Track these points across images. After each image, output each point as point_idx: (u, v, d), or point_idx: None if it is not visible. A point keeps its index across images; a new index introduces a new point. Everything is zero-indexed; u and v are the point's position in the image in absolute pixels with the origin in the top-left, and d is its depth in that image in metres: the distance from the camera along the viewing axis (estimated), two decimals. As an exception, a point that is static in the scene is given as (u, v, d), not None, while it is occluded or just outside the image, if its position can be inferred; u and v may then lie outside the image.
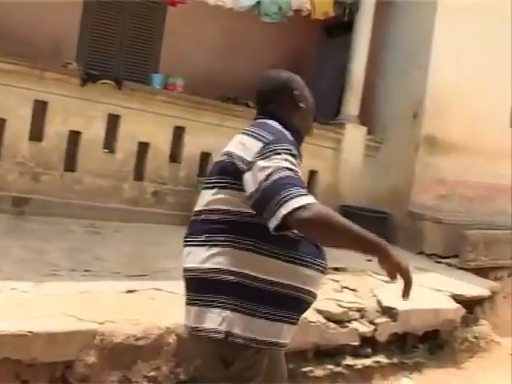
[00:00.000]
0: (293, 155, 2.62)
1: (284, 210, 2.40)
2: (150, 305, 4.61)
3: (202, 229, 2.73)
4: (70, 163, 7.53)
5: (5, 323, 3.69)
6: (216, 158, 2.91)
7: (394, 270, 2.48)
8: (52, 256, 5.50)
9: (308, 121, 3.10)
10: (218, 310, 2.58)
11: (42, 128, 7.34)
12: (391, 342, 5.72)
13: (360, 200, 8.99)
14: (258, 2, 8.90)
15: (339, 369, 5.17)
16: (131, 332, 4.07)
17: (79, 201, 7.43)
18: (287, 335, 2.68)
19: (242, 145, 2.71)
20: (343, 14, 9.60)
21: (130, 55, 10.03)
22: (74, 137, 7.52)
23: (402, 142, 9.28)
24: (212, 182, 2.76)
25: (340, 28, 10.37)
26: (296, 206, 2.39)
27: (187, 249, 2.81)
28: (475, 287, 7.19)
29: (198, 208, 2.82)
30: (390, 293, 6.08)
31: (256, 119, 2.97)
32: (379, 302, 5.77)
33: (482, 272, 8.34)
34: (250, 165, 2.58)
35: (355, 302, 5.61)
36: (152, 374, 4.13)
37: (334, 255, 7.25)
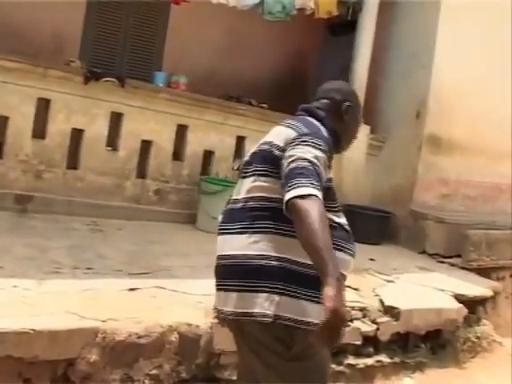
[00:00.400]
0: (322, 150, 2.72)
1: (287, 196, 2.51)
2: (152, 303, 4.61)
3: (242, 216, 2.81)
4: (73, 161, 7.53)
5: (7, 321, 3.70)
6: (252, 148, 3.05)
7: (325, 301, 2.27)
8: (54, 254, 5.51)
9: (347, 136, 3.17)
10: (265, 295, 2.64)
11: (44, 126, 7.34)
12: (393, 342, 5.72)
13: (363, 199, 9.00)
14: (262, 1, 8.88)
15: (341, 368, 5.17)
16: (133, 330, 4.08)
17: (82, 199, 7.43)
18: (318, 316, 2.61)
19: (279, 134, 2.86)
20: (347, 13, 9.59)
21: (134, 53, 10.03)
22: (77, 135, 7.52)
23: (404, 141, 9.27)
24: (251, 171, 2.87)
25: (343, 27, 10.35)
26: (295, 194, 2.48)
27: (225, 236, 2.90)
28: (477, 287, 7.18)
29: (235, 197, 2.93)
30: (392, 292, 6.09)
31: (298, 115, 3.08)
32: (381, 302, 5.77)
33: (484, 272, 8.33)
34: (283, 152, 2.72)
35: (357, 302, 5.61)
36: (154, 372, 4.14)
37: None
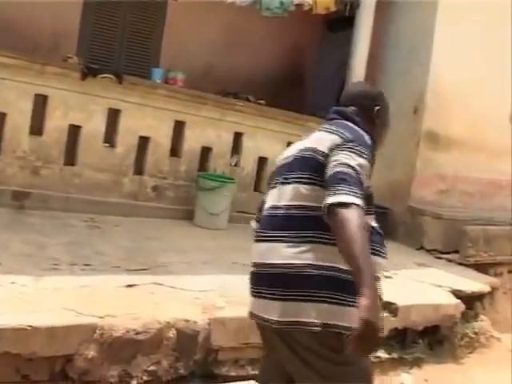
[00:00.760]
0: (366, 158, 2.73)
1: (328, 201, 2.53)
2: (149, 299, 4.61)
3: (286, 225, 2.79)
4: (70, 157, 7.51)
5: (5, 317, 3.70)
6: (288, 153, 3.02)
7: (360, 311, 2.34)
8: (52, 250, 5.51)
9: (379, 140, 3.17)
10: (313, 304, 2.65)
11: (42, 122, 7.33)
12: (391, 337, 5.72)
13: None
14: (260, -3, 8.89)
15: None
16: (131, 326, 4.08)
17: (79, 195, 7.42)
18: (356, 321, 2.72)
19: (322, 140, 2.82)
20: (344, 10, 9.57)
21: (131, 49, 10.01)
22: (74, 131, 7.51)
23: (402, 137, 9.25)
24: (293, 177, 2.84)
25: (341, 23, 10.34)
26: (337, 201, 2.51)
27: (266, 244, 2.85)
28: (475, 283, 7.19)
29: (273, 203, 2.91)
30: (390, 288, 6.09)
31: (333, 119, 3.06)
32: (379, 297, 5.77)
33: (481, 268, 8.34)
34: (327, 158, 2.71)
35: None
36: (152, 368, 4.14)
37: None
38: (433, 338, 6.17)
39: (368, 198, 2.78)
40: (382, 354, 5.53)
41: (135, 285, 4.84)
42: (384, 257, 2.90)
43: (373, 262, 2.63)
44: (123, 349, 4.02)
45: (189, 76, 9.21)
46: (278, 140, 8.83)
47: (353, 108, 3.08)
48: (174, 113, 8.09)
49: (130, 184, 7.86)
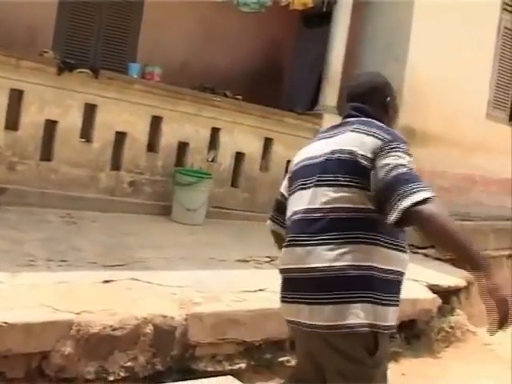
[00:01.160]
0: (409, 155, 2.78)
1: (405, 203, 2.54)
2: (126, 295, 4.60)
3: (325, 227, 2.75)
4: (47, 153, 7.47)
5: (-20, 314, 3.67)
6: (313, 154, 2.95)
7: (489, 294, 2.44)
8: (28, 246, 5.47)
9: (392, 127, 3.09)
10: (359, 305, 2.66)
11: (17, 117, 7.27)
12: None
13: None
14: (237, -8, 8.90)
15: (316, 359, 5.19)
16: (108, 322, 4.05)
17: (56, 190, 7.37)
18: (396, 318, 2.84)
19: (361, 143, 2.76)
20: (322, 5, 9.60)
21: (108, 44, 9.97)
22: (51, 126, 7.46)
23: (379, 132, 9.30)
24: (330, 180, 2.79)
25: (318, 19, 10.37)
26: (416, 200, 2.53)
27: (307, 248, 2.79)
28: (451, 277, 7.23)
29: (306, 206, 2.84)
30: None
31: (354, 116, 3.01)
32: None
33: (458, 262, 8.39)
34: (372, 162, 2.68)
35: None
36: (129, 364, 4.12)
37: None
38: (410, 333, 6.20)
39: None
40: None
41: (112, 280, 4.81)
42: (407, 253, 2.92)
43: (404, 259, 2.83)
44: (100, 345, 4.01)
45: (166, 71, 9.19)
46: (255, 135, 8.86)
47: (368, 104, 3.03)
48: (151, 108, 8.06)
49: (107, 179, 7.83)
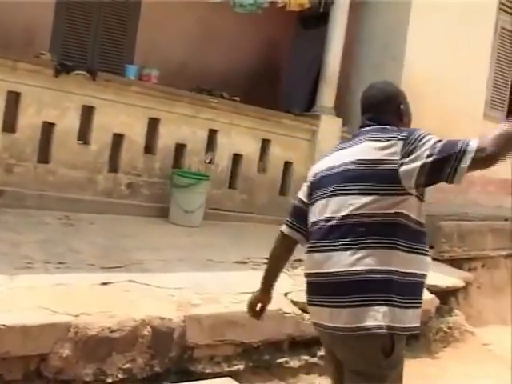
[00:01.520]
0: (431, 134, 2.87)
1: (471, 148, 2.67)
2: (124, 297, 4.60)
3: (343, 233, 2.86)
4: (44, 155, 7.46)
5: (-22, 316, 3.67)
6: (333, 164, 3.06)
7: None
8: (26, 248, 5.46)
9: None
10: (377, 308, 2.75)
11: (15, 119, 7.27)
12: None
13: (335, 191, 9.02)
14: (233, -6, 8.91)
15: (315, 359, 5.19)
16: (106, 324, 4.06)
17: (53, 193, 7.37)
18: (419, 319, 2.94)
19: (380, 149, 2.89)
20: (318, 6, 9.60)
21: (105, 46, 9.97)
22: (48, 128, 7.45)
23: (376, 133, 9.30)
24: (347, 189, 2.90)
25: (315, 19, 10.37)
26: (476, 144, 2.67)
27: (327, 254, 2.90)
28: (449, 278, 7.24)
29: (329, 214, 2.94)
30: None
31: (369, 125, 3.12)
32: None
33: (456, 263, 8.41)
34: (400, 160, 2.80)
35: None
36: (127, 366, 4.13)
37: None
38: (408, 333, 6.20)
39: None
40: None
41: (110, 283, 4.82)
42: (430, 256, 3.01)
43: (426, 262, 2.94)
44: (98, 347, 4.01)
45: (163, 73, 9.18)
46: (252, 137, 8.86)
47: (382, 114, 3.14)
48: (148, 110, 8.06)
49: (105, 181, 7.82)
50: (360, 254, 2.79)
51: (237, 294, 5.06)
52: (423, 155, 2.76)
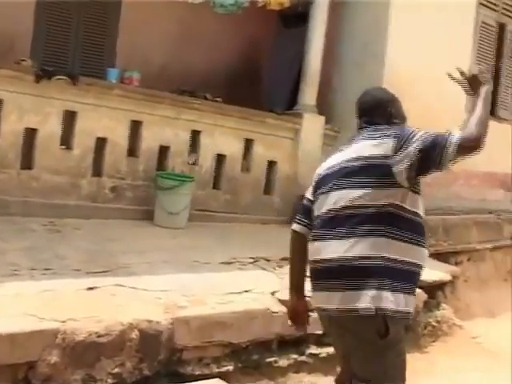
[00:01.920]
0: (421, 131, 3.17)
1: (456, 138, 2.99)
2: (111, 301, 4.59)
3: (339, 223, 3.16)
4: (27, 161, 7.42)
5: (-36, 325, 3.65)
6: (334, 163, 3.37)
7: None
8: (11, 256, 5.43)
9: None
10: (367, 291, 3.00)
11: (-4, 126, 7.24)
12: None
13: (319, 189, 9.01)
14: (213, -6, 8.91)
15: (303, 358, 5.21)
16: (93, 329, 4.05)
17: (37, 199, 7.33)
18: (413, 306, 3.20)
19: (373, 146, 3.19)
20: (298, 5, 9.62)
21: (86, 50, 9.93)
22: (30, 134, 7.41)
23: (359, 130, 9.30)
24: (344, 183, 3.20)
25: (296, 18, 10.38)
26: (460, 134, 3.00)
27: (325, 242, 3.20)
28: (436, 272, 7.25)
29: (329, 207, 3.24)
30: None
31: (365, 127, 3.41)
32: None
33: (442, 257, 8.43)
34: (393, 156, 3.09)
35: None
36: (116, 370, 4.12)
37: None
38: (396, 328, 6.21)
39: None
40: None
41: (96, 287, 4.80)
42: (427, 248, 3.34)
43: (421, 252, 3.26)
44: (86, 352, 4.00)
45: (145, 75, 9.17)
46: (235, 137, 8.86)
47: (375, 117, 3.42)
48: (131, 113, 8.04)
49: (89, 186, 7.79)
50: (354, 241, 3.07)
51: (224, 295, 5.07)
52: (413, 150, 3.04)
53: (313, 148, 9.44)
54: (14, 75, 7.21)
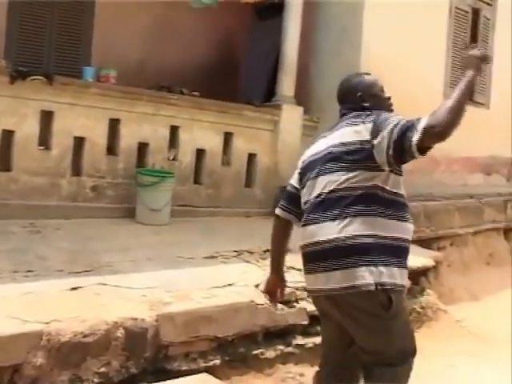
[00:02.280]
0: (396, 115, 3.31)
1: (421, 125, 3.06)
2: (95, 300, 4.56)
3: (330, 206, 3.29)
4: (5, 163, 7.37)
5: None
6: (318, 150, 3.50)
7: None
8: (-7, 259, 5.40)
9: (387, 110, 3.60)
10: (364, 268, 3.14)
11: (-27, 129, 7.19)
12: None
13: (300, 180, 9.01)
14: (189, -12, 8.90)
15: (290, 349, 5.20)
16: (78, 329, 4.02)
17: (17, 201, 7.29)
18: (406, 279, 3.35)
19: (355, 132, 3.32)
20: (272, -3, 9.63)
21: (61, 49, 9.89)
22: (8, 136, 7.36)
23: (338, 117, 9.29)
24: (330, 168, 3.34)
25: (271, 10, 10.38)
26: (426, 121, 3.05)
27: (318, 225, 3.32)
28: (419, 258, 7.28)
29: (318, 191, 3.38)
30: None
31: (345, 114, 3.56)
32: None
33: (425, 243, 8.46)
34: (371, 141, 3.22)
35: (302, 282, 5.60)
36: (103, 369, 4.09)
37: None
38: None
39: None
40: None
41: (80, 287, 4.78)
42: (411, 222, 3.47)
43: (408, 228, 3.40)
44: (72, 353, 3.97)
45: (121, 72, 9.12)
46: (214, 131, 8.85)
47: (349, 103, 3.60)
48: (108, 111, 7.99)
49: (69, 186, 7.75)
50: (346, 222, 3.21)
51: (208, 289, 5.07)
52: (387, 136, 3.16)
53: (292, 139, 9.44)
54: (-13, 77, 7.17)
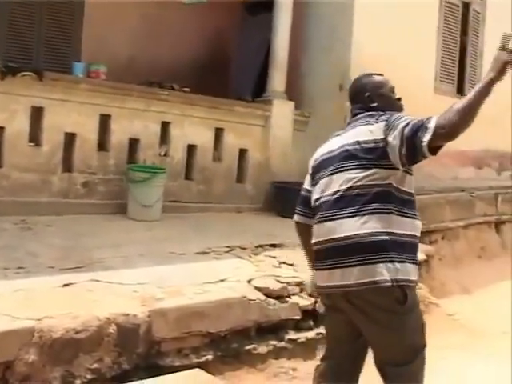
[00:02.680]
0: (408, 116, 3.31)
1: (430, 125, 3.08)
2: (87, 296, 4.56)
3: (349, 203, 3.32)
4: (-4, 160, 7.36)
5: None
6: (332, 148, 3.54)
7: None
8: (-17, 256, 5.38)
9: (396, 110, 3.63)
10: (382, 264, 3.19)
11: (-37, 126, 7.16)
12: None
13: (291, 175, 8.97)
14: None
15: (283, 344, 5.21)
16: (70, 326, 4.02)
17: (8, 197, 7.26)
18: (417, 274, 3.38)
19: (370, 131, 3.36)
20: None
21: (50, 44, 9.84)
22: (-2, 132, 7.36)
23: (329, 114, 9.31)
24: (348, 166, 3.37)
25: (261, 6, 10.36)
26: (435, 122, 3.07)
27: (336, 222, 3.34)
28: (411, 252, 7.28)
29: (334, 189, 3.40)
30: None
31: (359, 113, 3.59)
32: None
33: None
34: (384, 140, 3.26)
35: (294, 277, 5.63)
36: (95, 366, 4.09)
37: (269, 232, 7.27)
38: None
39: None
40: (324, 329, 5.57)
41: (71, 283, 4.77)
42: (419, 219, 3.46)
43: (417, 225, 3.41)
44: (64, 349, 3.97)
45: (111, 68, 9.08)
46: (205, 126, 8.84)
47: (360, 103, 3.63)
48: (99, 106, 7.98)
49: (60, 182, 7.73)
50: (364, 219, 3.25)
51: (200, 285, 5.07)
52: (399, 135, 3.20)
53: (283, 134, 9.44)
54: (-23, 74, 7.14)
